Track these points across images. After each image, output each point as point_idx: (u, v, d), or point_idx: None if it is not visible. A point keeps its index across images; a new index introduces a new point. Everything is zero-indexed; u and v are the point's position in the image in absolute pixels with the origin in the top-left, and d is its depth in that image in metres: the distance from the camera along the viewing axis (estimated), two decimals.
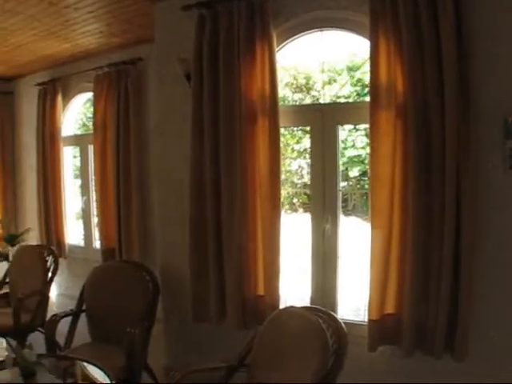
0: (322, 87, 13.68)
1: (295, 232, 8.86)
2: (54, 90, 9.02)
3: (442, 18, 4.08)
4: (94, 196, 8.86)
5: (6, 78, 10.20)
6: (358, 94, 13.30)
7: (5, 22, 6.40)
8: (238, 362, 4.44)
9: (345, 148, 13.53)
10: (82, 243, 9.53)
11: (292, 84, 13.98)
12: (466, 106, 4.12)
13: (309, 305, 5.05)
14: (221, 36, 5.17)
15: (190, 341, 5.97)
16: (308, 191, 13.45)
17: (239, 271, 5.23)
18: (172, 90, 5.90)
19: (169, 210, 6.11)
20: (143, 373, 5.38)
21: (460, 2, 4.08)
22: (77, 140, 9.55)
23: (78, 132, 10.93)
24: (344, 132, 13.09)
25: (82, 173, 9.38)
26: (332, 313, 4.28)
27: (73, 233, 9.60)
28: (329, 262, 5.23)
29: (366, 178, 13.71)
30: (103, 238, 8.30)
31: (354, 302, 7.46)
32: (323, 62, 8.68)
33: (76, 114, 10.04)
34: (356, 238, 8.78)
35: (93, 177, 8.76)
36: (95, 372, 4.39)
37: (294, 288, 7.15)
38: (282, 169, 5.20)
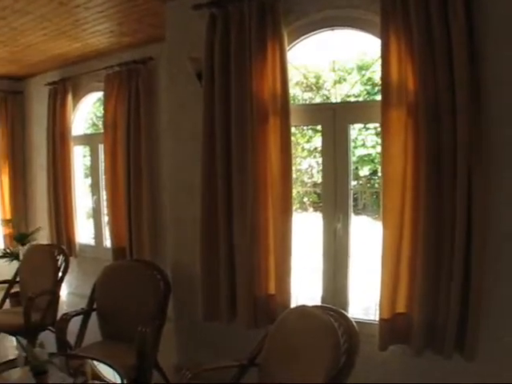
0: (333, 86, 13.66)
1: (305, 231, 8.87)
2: (64, 90, 9.05)
3: (452, 18, 4.06)
4: (104, 195, 8.89)
5: (16, 78, 10.24)
6: (368, 93, 13.27)
7: (15, 22, 6.41)
8: (248, 361, 4.43)
9: (355, 147, 13.51)
10: (92, 242, 9.58)
11: (302, 83, 13.96)
12: (477, 105, 4.11)
13: (320, 304, 5.05)
14: (232, 35, 5.17)
15: (201, 340, 5.98)
16: (318, 190, 13.49)
17: (250, 270, 5.23)
18: (183, 89, 5.90)
19: (180, 210, 6.11)
20: (154, 371, 5.39)
21: (470, 2, 4.07)
22: (87, 139, 9.60)
23: (88, 131, 10.96)
24: (354, 131, 13.09)
25: (92, 172, 9.43)
26: (343, 312, 4.27)
27: (83, 232, 9.63)
28: (340, 261, 5.23)
29: (376, 177, 13.72)
30: (114, 236, 8.31)
31: (364, 301, 7.45)
32: (333, 60, 8.67)
33: (86, 113, 10.07)
34: (366, 237, 8.79)
35: (103, 176, 8.78)
36: (106, 371, 4.41)
37: (304, 287, 7.14)
38: (293, 168, 5.19)
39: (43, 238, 9.37)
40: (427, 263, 4.33)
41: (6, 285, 7.23)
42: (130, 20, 6.53)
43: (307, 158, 14.86)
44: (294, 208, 5.22)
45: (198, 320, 5.64)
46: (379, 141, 4.74)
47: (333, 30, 5.18)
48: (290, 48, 5.27)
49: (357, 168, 13.91)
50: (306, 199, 15.12)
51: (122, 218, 8.09)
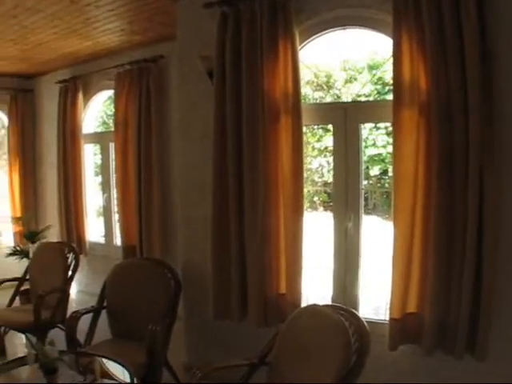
0: (343, 85, 13.65)
1: (315, 230, 8.85)
2: (74, 88, 9.07)
3: (464, 18, 4.04)
4: (114, 193, 8.89)
5: (27, 76, 10.27)
6: (379, 93, 13.26)
7: (26, 21, 6.43)
8: (259, 359, 4.43)
9: (365, 147, 13.48)
10: (102, 240, 9.60)
11: (312, 82, 13.95)
12: (489, 105, 4.10)
13: (330, 303, 5.04)
14: (243, 34, 5.16)
15: (211, 338, 5.98)
16: (328, 190, 13.48)
17: (261, 269, 5.22)
18: (194, 87, 5.90)
19: (191, 208, 6.11)
20: (163, 370, 5.39)
21: (483, 2, 4.05)
22: (97, 137, 9.62)
23: (98, 130, 10.98)
24: (365, 131, 13.06)
25: (103, 170, 9.44)
26: (354, 311, 4.28)
27: (93, 230, 9.65)
28: (351, 260, 5.22)
29: (387, 177, 13.70)
30: (124, 235, 8.32)
31: (374, 301, 7.44)
32: (344, 60, 8.67)
33: (96, 111, 10.09)
34: (376, 237, 8.78)
35: (113, 174, 8.80)
36: (115, 369, 4.42)
37: (315, 286, 7.13)
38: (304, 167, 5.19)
39: (53, 235, 9.42)
40: (438, 263, 4.31)
41: (16, 282, 7.27)
42: (141, 18, 6.54)
43: (317, 158, 14.84)
44: (304, 207, 5.22)
45: (209, 318, 5.64)
46: (390, 140, 4.74)
47: (344, 29, 5.17)
48: (302, 47, 5.26)
49: (367, 167, 13.87)
50: (316, 198, 15.11)
51: (132, 217, 8.10)
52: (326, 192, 14.71)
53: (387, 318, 4.70)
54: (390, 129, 4.59)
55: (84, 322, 5.58)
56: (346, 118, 5.14)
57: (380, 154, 13.95)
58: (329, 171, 14.01)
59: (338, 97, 13.99)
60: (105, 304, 5.85)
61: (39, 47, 7.84)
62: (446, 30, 4.13)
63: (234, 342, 5.70)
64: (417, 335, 4.55)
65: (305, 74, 10.46)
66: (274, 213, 5.17)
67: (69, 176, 9.25)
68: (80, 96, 9.04)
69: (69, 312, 5.91)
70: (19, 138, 10.34)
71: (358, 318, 4.10)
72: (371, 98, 12.74)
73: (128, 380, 4.16)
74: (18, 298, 7.27)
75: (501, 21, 4.10)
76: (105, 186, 9.36)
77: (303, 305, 5.04)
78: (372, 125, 13.09)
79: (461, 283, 4.24)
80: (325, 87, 14.16)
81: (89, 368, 4.60)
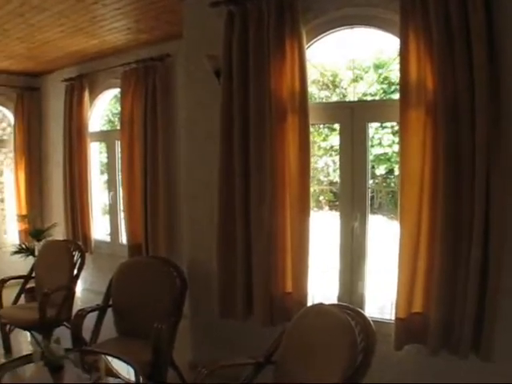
0: (349, 84, 13.63)
1: (321, 230, 8.85)
2: (81, 86, 9.08)
3: (472, 18, 4.04)
4: (120, 192, 8.90)
5: (33, 74, 10.29)
6: (385, 92, 13.23)
7: (32, 19, 6.43)
8: (265, 358, 4.42)
9: (371, 146, 13.45)
10: (107, 239, 9.60)
11: (319, 81, 13.93)
12: (496, 105, 4.09)
13: (336, 302, 5.04)
14: (250, 33, 5.16)
15: (216, 337, 5.98)
16: (334, 189, 13.46)
17: (267, 268, 5.23)
18: (201, 86, 5.90)
19: (196, 207, 6.11)
20: (169, 368, 5.39)
21: (490, 1, 4.05)
22: (103, 136, 9.64)
23: (104, 128, 10.98)
24: (371, 130, 13.03)
25: (109, 168, 9.46)
26: (360, 310, 4.26)
27: (99, 228, 9.68)
28: (357, 259, 5.23)
29: (393, 176, 13.67)
30: (130, 233, 8.33)
31: (379, 300, 7.43)
32: (351, 59, 8.64)
33: (102, 110, 10.10)
34: (382, 236, 8.77)
35: (119, 172, 8.81)
36: (120, 367, 4.43)
37: (320, 285, 7.13)
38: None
39: (59, 233, 9.41)
40: (444, 263, 4.32)
41: (22, 280, 7.27)
42: (147, 17, 6.55)
43: (323, 157, 14.82)
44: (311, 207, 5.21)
45: (214, 317, 5.65)
46: (396, 139, 4.74)
47: (352, 28, 5.17)
48: (309, 46, 5.26)
49: (373, 167, 13.84)
50: (321, 198, 15.09)
51: (138, 215, 8.12)
52: (331, 191, 14.69)
53: (393, 318, 4.70)
54: (396, 128, 4.60)
55: (90, 320, 5.58)
56: (352, 117, 5.14)
57: (386, 153, 13.92)
58: (334, 170, 13.99)
59: (344, 96, 13.95)
60: (110, 302, 5.85)
61: (46, 45, 7.85)
62: (453, 29, 4.13)
63: (239, 340, 5.69)
64: (422, 335, 4.56)
65: (311, 73, 10.44)
66: (280, 212, 5.17)
67: (75, 174, 9.26)
68: (86, 94, 9.05)
69: (74, 310, 5.91)
70: (25, 136, 10.34)
71: (364, 318, 4.09)
72: (377, 98, 12.72)
73: (133, 378, 4.18)
74: (23, 296, 7.27)
75: (508, 20, 4.09)
76: (110, 185, 9.38)
77: (309, 304, 5.05)
78: (378, 124, 13.08)
79: (466, 283, 4.24)
80: (331, 86, 14.14)
81: (94, 366, 4.60)
